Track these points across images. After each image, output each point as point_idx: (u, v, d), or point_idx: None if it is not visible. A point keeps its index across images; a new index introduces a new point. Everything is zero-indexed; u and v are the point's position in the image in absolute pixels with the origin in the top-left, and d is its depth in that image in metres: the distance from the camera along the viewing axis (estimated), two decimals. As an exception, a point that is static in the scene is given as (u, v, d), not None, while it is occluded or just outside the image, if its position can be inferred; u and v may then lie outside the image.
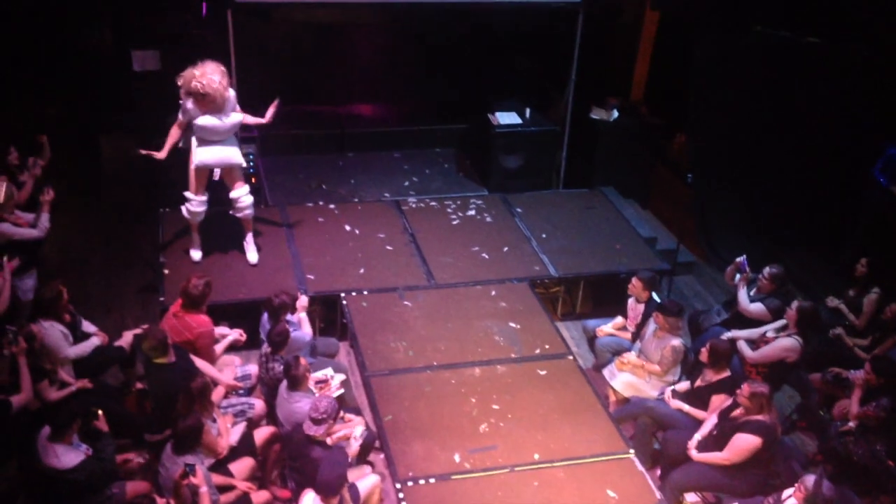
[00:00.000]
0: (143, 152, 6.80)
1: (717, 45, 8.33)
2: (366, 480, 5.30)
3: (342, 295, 7.03)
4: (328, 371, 6.10)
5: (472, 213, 8.45)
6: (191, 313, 5.86)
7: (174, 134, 6.82)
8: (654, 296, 6.84)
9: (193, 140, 6.86)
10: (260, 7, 8.50)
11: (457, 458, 5.54)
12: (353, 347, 6.69)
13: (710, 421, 5.76)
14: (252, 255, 7.30)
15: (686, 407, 6.04)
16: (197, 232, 7.23)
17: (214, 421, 5.36)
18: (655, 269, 7.45)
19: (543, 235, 8.13)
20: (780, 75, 8.18)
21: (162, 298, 6.72)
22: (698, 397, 6.02)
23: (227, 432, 5.38)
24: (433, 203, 8.57)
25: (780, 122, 8.29)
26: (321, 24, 9.39)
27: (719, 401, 5.86)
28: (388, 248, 7.73)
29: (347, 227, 7.95)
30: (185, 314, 5.88)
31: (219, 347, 6.09)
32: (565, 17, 8.92)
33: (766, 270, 6.84)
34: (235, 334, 6.25)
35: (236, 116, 6.83)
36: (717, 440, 5.55)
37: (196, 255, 7.25)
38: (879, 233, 8.08)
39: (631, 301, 6.91)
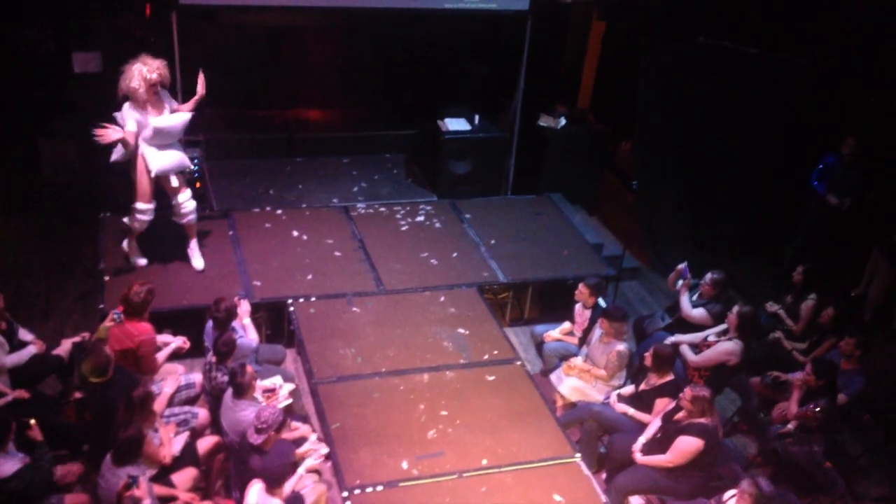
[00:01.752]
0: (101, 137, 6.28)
1: (662, 54, 8.49)
2: (312, 489, 5.25)
3: (289, 301, 6.96)
4: (277, 379, 6.03)
5: (422, 218, 8.45)
6: (132, 321, 5.73)
7: (130, 144, 6.46)
8: (601, 301, 6.93)
9: (143, 147, 6.55)
10: (205, 9, 8.37)
11: (405, 464, 5.52)
12: (300, 354, 6.63)
13: (654, 424, 5.85)
14: (197, 262, 7.16)
15: (631, 410, 6.12)
16: (136, 240, 7.04)
17: (156, 430, 5.25)
18: (602, 274, 7.54)
19: (492, 241, 8.17)
20: (723, 85, 8.37)
21: (102, 306, 6.56)
22: (643, 401, 6.11)
23: (169, 442, 5.28)
24: (382, 209, 8.54)
25: (722, 131, 8.48)
26: (269, 28, 9.31)
27: (663, 404, 5.96)
28: (337, 253, 7.68)
29: (295, 233, 7.88)
30: (126, 322, 5.74)
31: (161, 355, 5.97)
32: (514, 25, 9.00)
33: (708, 276, 6.98)
34: (179, 342, 6.13)
35: (185, 114, 6.64)
36: (660, 443, 5.63)
37: (142, 260, 7.10)
38: (816, 240, 8.33)
39: (578, 306, 6.99)
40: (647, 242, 9.16)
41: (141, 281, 5.94)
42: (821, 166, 8.19)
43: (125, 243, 7.06)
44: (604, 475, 6.08)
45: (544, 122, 9.66)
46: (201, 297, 6.70)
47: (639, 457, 5.69)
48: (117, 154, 6.67)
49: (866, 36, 7.87)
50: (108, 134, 6.33)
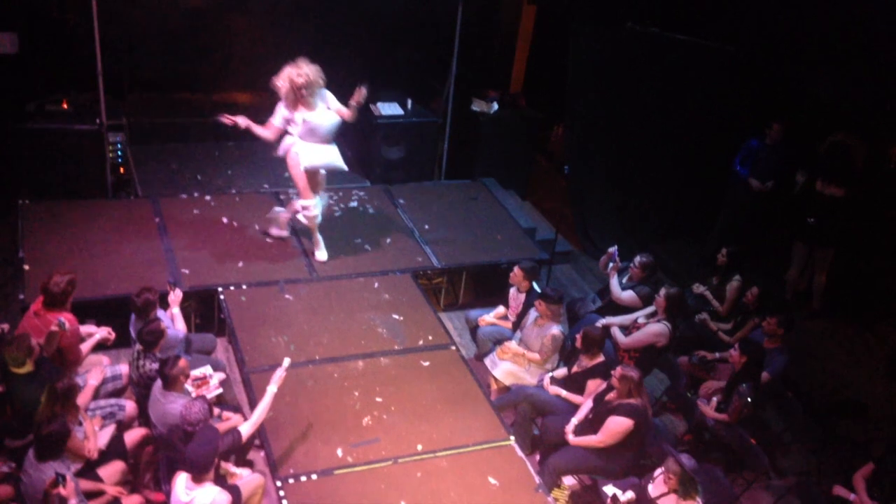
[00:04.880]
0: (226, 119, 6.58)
1: (591, 39, 8.59)
2: (248, 481, 5.18)
3: (220, 289, 6.82)
4: (206, 369, 5.91)
5: (355, 204, 8.38)
6: (53, 311, 5.53)
7: (264, 130, 6.75)
8: (535, 285, 7.00)
9: (298, 144, 6.76)
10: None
11: (339, 452, 5.48)
12: (231, 343, 6.51)
13: (586, 405, 5.95)
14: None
15: (563, 392, 6.21)
16: (318, 231, 7.24)
17: (80, 424, 5.09)
18: (535, 258, 7.62)
19: (426, 226, 8.16)
20: (651, 70, 8.52)
21: (22, 296, 6.31)
22: (575, 382, 6.21)
23: (94, 435, 5.12)
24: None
25: (650, 116, 8.64)
26: (194, 8, 9.04)
27: (594, 385, 6.06)
28: (268, 240, 7.56)
29: (225, 220, 7.72)
30: (46, 313, 5.54)
31: (85, 347, 5.78)
32: (445, 9, 8.96)
33: (637, 259, 7.13)
34: (103, 332, 5.93)
35: (334, 115, 6.77)
36: (592, 424, 5.74)
37: (322, 255, 7.32)
38: (739, 223, 8.58)
39: (512, 290, 7.05)
40: (579, 226, 9.30)
41: (61, 270, 5.72)
42: (744, 150, 8.42)
43: (315, 240, 7.29)
44: (537, 457, 6.17)
45: (477, 106, 9.68)
46: (126, 287, 6.48)
47: (571, 438, 5.79)
48: (281, 150, 6.86)
49: (790, 23, 8.09)
50: (230, 120, 6.61)
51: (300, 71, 6.51)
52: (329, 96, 6.79)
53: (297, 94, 6.55)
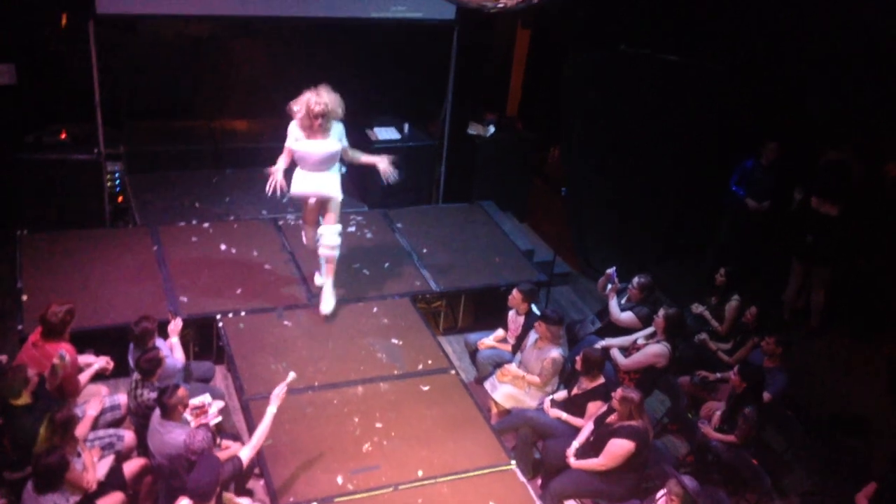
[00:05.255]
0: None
1: (585, 62, 8.65)
2: (246, 509, 5.15)
3: (218, 317, 6.82)
4: (206, 397, 5.89)
5: (353, 229, 8.39)
6: (51, 342, 5.53)
7: (284, 159, 6.51)
8: (534, 307, 7.00)
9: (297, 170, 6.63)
10: (124, 19, 8.16)
11: (339, 479, 5.45)
12: (230, 371, 6.50)
13: (587, 428, 5.93)
14: (325, 305, 6.93)
15: (564, 415, 6.19)
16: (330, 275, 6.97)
17: (79, 455, 5.06)
18: (534, 280, 7.62)
19: (424, 250, 8.17)
20: (645, 91, 8.57)
21: (20, 327, 6.30)
22: (575, 405, 6.19)
23: (93, 467, 5.09)
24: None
25: (646, 137, 8.68)
26: (191, 37, 9.12)
27: (595, 408, 6.04)
28: (267, 266, 7.57)
29: (223, 247, 7.73)
30: (45, 343, 5.54)
31: (83, 377, 5.77)
32: (441, 34, 9.03)
33: (636, 280, 7.13)
34: (102, 362, 5.92)
35: (329, 144, 6.50)
36: (593, 446, 5.71)
37: (326, 306, 6.95)
38: (737, 242, 8.60)
39: (511, 313, 7.04)
40: (577, 248, 9.31)
41: (60, 300, 5.73)
42: (739, 171, 8.46)
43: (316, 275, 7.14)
44: (539, 481, 6.13)
45: (473, 130, 9.72)
46: (125, 316, 6.47)
47: (573, 461, 5.76)
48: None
49: (781, 43, 8.15)
50: (274, 180, 6.36)
51: (319, 99, 6.35)
52: (341, 130, 6.61)
53: (313, 122, 6.37)
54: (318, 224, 6.89)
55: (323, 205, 6.78)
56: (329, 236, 6.75)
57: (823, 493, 6.33)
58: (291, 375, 5.43)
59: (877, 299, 8.19)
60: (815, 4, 7.58)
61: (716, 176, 8.61)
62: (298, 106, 6.39)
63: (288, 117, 6.53)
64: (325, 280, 6.98)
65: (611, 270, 7.16)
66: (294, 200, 6.91)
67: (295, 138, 6.50)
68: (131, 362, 5.81)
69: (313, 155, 6.51)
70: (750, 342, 7.00)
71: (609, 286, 7.13)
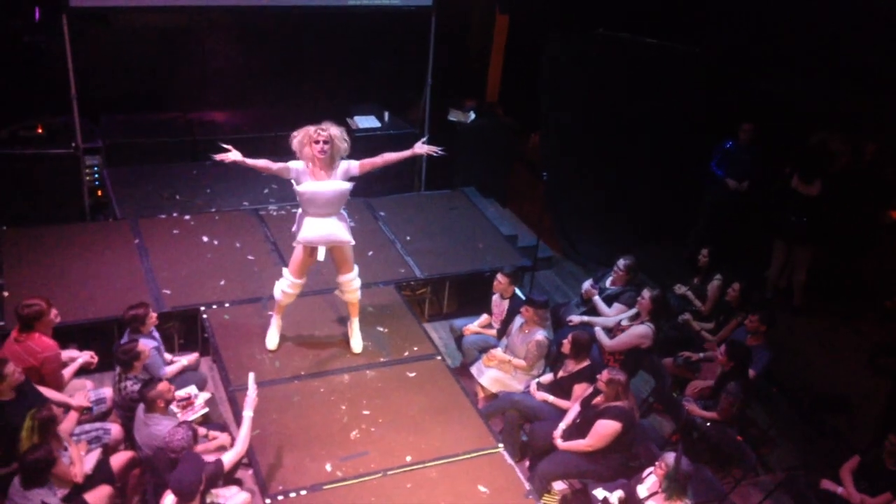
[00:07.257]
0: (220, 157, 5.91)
1: (563, 46, 8.66)
2: (236, 499, 5.13)
3: (202, 308, 6.78)
4: (192, 389, 5.88)
5: (335, 218, 8.35)
6: (33, 338, 5.47)
7: (265, 162, 5.94)
8: (518, 291, 7.02)
9: (300, 213, 6.05)
10: (97, 12, 8.06)
11: (328, 467, 5.46)
12: (215, 362, 6.48)
13: (574, 410, 5.96)
14: (355, 343, 6.55)
15: (550, 398, 6.23)
16: (278, 315, 6.47)
17: (66, 449, 5.04)
18: (517, 265, 7.64)
19: (408, 238, 8.17)
20: (623, 74, 8.60)
21: (1, 323, 6.25)
22: (561, 387, 6.23)
23: (80, 460, 5.07)
24: (295, 210, 8.34)
25: (625, 120, 8.71)
26: (167, 28, 9.03)
27: (581, 389, 6.08)
28: (250, 257, 7.53)
29: (205, 238, 7.68)
30: (27, 338, 5.49)
31: (67, 372, 5.73)
32: (418, 20, 9.00)
33: (621, 262, 7.17)
34: (85, 357, 5.89)
35: (341, 184, 5.90)
36: (580, 428, 5.75)
37: (273, 342, 6.45)
38: (718, 222, 8.66)
39: (495, 298, 7.06)
40: (559, 232, 9.34)
41: (34, 296, 5.67)
42: (719, 152, 8.51)
43: (272, 320, 6.49)
44: (527, 463, 6.17)
45: (454, 116, 9.71)
46: (108, 309, 6.46)
47: (560, 443, 5.80)
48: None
49: (756, 25, 8.20)
50: (226, 156, 5.96)
51: (324, 130, 5.79)
52: (343, 167, 5.96)
53: (315, 153, 5.79)
54: (305, 275, 6.35)
55: (335, 254, 6.22)
56: (354, 282, 6.36)
57: (808, 467, 6.40)
58: (251, 379, 5.33)
59: (858, 278, 8.29)
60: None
61: (695, 157, 8.66)
62: (299, 136, 5.85)
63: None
64: (352, 320, 6.61)
65: (587, 285, 7.32)
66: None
67: (297, 170, 5.89)
68: (116, 355, 5.78)
69: (322, 194, 5.89)
70: (733, 321, 7.06)
71: (594, 297, 7.21)
